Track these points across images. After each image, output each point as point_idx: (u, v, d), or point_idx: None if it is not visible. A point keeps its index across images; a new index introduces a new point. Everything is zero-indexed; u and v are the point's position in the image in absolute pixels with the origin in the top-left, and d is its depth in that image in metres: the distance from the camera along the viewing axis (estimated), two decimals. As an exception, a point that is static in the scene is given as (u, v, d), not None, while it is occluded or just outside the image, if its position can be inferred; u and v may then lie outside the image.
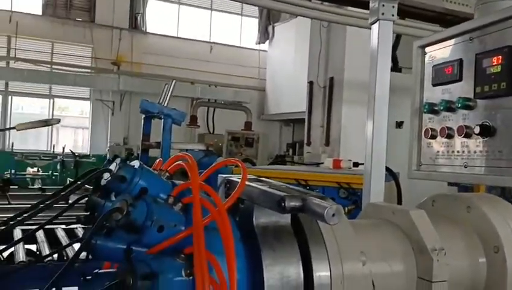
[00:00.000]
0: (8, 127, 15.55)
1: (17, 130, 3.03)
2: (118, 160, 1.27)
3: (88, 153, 15.83)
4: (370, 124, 2.22)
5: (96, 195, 1.45)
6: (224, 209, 1.16)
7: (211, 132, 15.86)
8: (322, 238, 1.38)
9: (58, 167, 12.99)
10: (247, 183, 1.31)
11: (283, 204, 1.19)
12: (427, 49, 1.98)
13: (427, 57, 1.97)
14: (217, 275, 1.09)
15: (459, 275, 1.57)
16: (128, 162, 1.28)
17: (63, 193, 1.52)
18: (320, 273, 1.33)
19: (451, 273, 1.51)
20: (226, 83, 17.71)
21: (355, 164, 4.87)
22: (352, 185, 3.96)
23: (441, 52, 1.92)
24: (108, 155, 11.15)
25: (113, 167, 1.27)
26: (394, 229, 1.61)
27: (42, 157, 13.85)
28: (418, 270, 1.53)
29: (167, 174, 1.34)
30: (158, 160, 1.50)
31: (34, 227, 3.14)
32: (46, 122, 3.21)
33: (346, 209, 3.64)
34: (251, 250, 1.29)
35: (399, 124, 6.63)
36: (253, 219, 1.34)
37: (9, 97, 16.27)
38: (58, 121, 3.27)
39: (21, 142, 15.61)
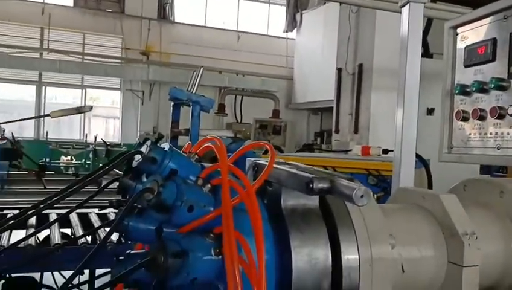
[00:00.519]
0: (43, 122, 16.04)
1: (52, 117, 3.13)
2: (148, 142, 1.29)
3: (119, 142, 16.15)
4: (400, 111, 2.19)
5: (127, 178, 1.49)
6: (252, 191, 1.17)
7: (239, 121, 15.91)
8: (351, 221, 1.38)
9: (91, 155, 13.31)
10: (275, 165, 1.32)
11: (311, 185, 1.19)
12: (459, 30, 1.93)
13: (459, 38, 1.92)
14: (245, 255, 1.11)
15: (491, 260, 1.54)
16: (158, 144, 1.31)
17: (94, 175, 1.56)
18: (349, 256, 1.33)
19: (482, 258, 1.48)
20: (254, 72, 17.68)
21: (385, 151, 4.81)
22: (382, 172, 3.91)
23: (473, 32, 1.86)
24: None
25: (144, 149, 1.29)
26: (424, 213, 1.59)
27: (75, 146, 14.21)
28: (449, 254, 1.51)
29: (196, 156, 1.36)
30: (187, 143, 1.53)
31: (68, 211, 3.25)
32: (78, 110, 3.30)
33: (375, 196, 3.61)
34: (279, 232, 1.30)
35: (430, 111, 6.50)
36: (281, 201, 1.35)
37: (43, 87, 16.73)
38: (90, 108, 3.35)
39: (55, 131, 16.07)
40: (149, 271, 1.09)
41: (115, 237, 2.69)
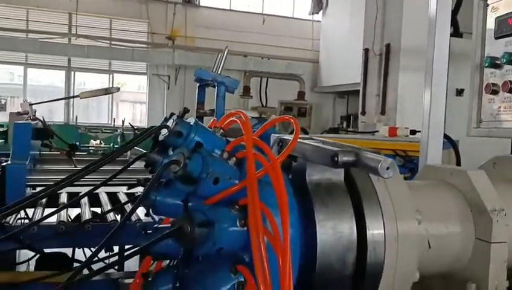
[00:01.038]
0: (72, 101, 16.37)
1: (81, 98, 3.20)
2: (174, 116, 1.31)
3: (146, 127, 16.36)
4: (428, 91, 2.14)
5: (154, 153, 1.52)
6: (277, 163, 1.18)
7: (264, 104, 15.87)
8: (376, 196, 1.37)
9: (119, 139, 13.54)
10: (299, 140, 1.32)
11: (336, 159, 1.19)
12: (489, 1, 1.87)
13: (489, 9, 1.86)
14: (270, 226, 1.12)
15: (520, 237, 1.51)
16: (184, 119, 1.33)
17: (122, 149, 1.59)
18: (374, 231, 1.33)
19: (511, 235, 1.46)
20: (279, 56, 17.56)
21: (413, 132, 4.73)
22: (409, 153, 3.86)
23: (504, 3, 1.80)
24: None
25: (170, 123, 1.31)
26: (452, 189, 1.57)
27: (103, 130, 14.46)
28: (477, 231, 1.49)
29: (221, 130, 1.38)
30: (213, 119, 1.54)
31: (97, 191, 3.33)
32: (106, 90, 3.36)
33: (403, 176, 3.56)
34: (303, 206, 1.30)
35: (459, 92, 6.33)
36: (306, 175, 1.35)
37: (72, 73, 17.05)
38: (118, 89, 3.41)
39: (84, 116, 16.40)
40: (176, 240, 1.11)
41: (143, 214, 2.74)
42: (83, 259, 2.99)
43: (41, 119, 2.76)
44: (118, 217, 2.95)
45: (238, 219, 1.16)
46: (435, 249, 1.47)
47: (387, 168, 1.11)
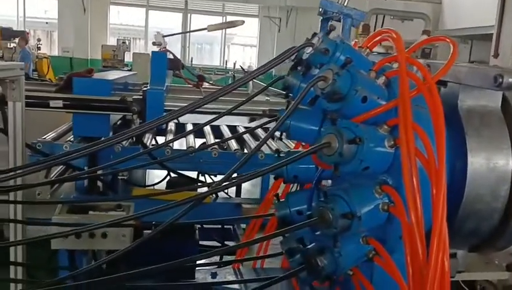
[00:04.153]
0: (187, 43, 17.05)
1: (208, 31, 3.29)
2: (320, 34, 1.28)
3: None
4: None
5: (292, 75, 1.51)
6: (433, 83, 1.10)
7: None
8: (539, 126, 1.24)
9: (230, 81, 13.94)
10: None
11: (500, 80, 1.08)
12: None
13: None
14: (424, 148, 1.06)
15: None
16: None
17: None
18: (533, 164, 1.21)
19: None
20: (396, -5, 16.39)
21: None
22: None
23: None
24: (273, 72, 11.52)
25: (315, 41, 1.28)
26: None
27: (216, 72, 14.95)
28: None
29: (367, 50, 1.32)
30: (353, 41, 1.48)
31: (218, 123, 3.46)
32: (232, 23, 3.40)
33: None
34: (454, 133, 1.22)
35: None
36: (458, 101, 1.26)
37: (189, 15, 17.63)
38: (243, 22, 3.44)
39: (197, 58, 17.05)
40: (322, 155, 1.10)
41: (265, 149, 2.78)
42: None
43: (171, 51, 2.91)
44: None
45: (386, 140, 1.12)
46: None
47: None
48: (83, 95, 2.38)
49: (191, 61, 15.97)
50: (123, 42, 12.79)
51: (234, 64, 14.88)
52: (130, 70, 7.13)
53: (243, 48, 19.25)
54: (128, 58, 12.10)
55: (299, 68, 1.41)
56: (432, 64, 1.33)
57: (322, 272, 1.16)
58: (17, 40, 11.52)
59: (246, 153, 2.75)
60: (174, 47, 16.69)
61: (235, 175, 1.38)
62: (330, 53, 1.23)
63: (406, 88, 1.09)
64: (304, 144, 1.78)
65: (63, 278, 1.14)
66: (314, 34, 1.34)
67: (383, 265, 1.16)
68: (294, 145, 2.81)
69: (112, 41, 15.70)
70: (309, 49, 1.28)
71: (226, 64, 16.62)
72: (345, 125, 1.09)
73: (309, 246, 1.21)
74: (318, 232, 1.22)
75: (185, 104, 1.92)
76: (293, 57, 1.40)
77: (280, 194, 1.70)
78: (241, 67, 14.46)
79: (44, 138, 2.51)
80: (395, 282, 1.15)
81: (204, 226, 3.42)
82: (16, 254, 1.77)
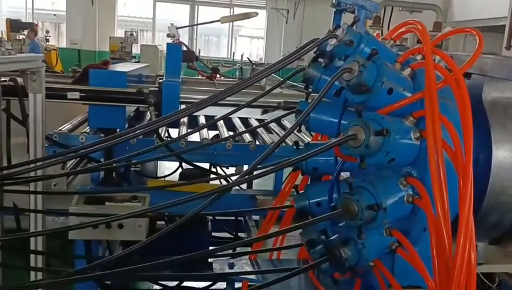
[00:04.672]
0: (195, 35, 17.02)
1: (222, 22, 3.28)
2: (344, 26, 1.27)
3: (263, 62, 16.53)
4: None
5: (312, 67, 1.51)
6: (460, 74, 1.09)
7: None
8: None
9: (237, 73, 13.91)
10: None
11: (528, 72, 1.08)
12: None
13: None
14: (451, 139, 1.06)
15: None
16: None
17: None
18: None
19: None
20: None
21: None
22: None
23: None
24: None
25: (339, 32, 1.28)
26: None
27: (223, 64, 14.92)
28: None
29: (391, 42, 1.31)
30: (376, 33, 1.47)
31: (230, 116, 3.45)
32: (246, 15, 3.39)
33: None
34: (478, 125, 1.22)
35: None
36: (483, 92, 1.26)
37: (196, 7, 17.59)
38: (256, 14, 3.42)
39: (205, 50, 17.03)
40: (348, 147, 1.10)
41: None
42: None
43: (185, 43, 2.91)
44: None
45: (412, 131, 1.12)
46: None
47: None
48: (100, 87, 2.39)
49: (199, 53, 15.94)
50: (131, 34, 12.77)
51: (242, 56, 14.84)
52: (137, 62, 7.13)
53: (250, 39, 19.20)
54: (135, 50, 12.09)
55: (320, 60, 1.41)
56: (454, 56, 1.32)
57: (345, 263, 1.16)
58: (26, 32, 11.55)
59: (259, 145, 2.76)
60: (182, 39, 16.68)
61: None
62: (355, 45, 1.23)
63: (433, 79, 1.09)
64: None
65: (83, 268, 1.15)
66: (338, 27, 1.34)
67: (406, 257, 1.16)
68: (299, 135, 2.82)
69: (119, 33, 15.71)
70: (333, 41, 1.28)
71: (233, 56, 16.58)
72: (371, 117, 1.09)
73: (332, 238, 1.21)
74: (341, 224, 1.22)
75: (201, 97, 1.93)
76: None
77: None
78: (249, 59, 14.46)
79: (60, 130, 2.53)
80: (417, 273, 1.16)
81: (217, 218, 3.45)
82: (36, 243, 1.79)
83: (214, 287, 2.78)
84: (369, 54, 1.13)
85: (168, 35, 2.74)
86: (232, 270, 1.76)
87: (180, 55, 2.63)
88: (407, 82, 1.17)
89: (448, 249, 1.02)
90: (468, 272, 1.01)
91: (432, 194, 1.04)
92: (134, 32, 13.43)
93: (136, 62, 7.17)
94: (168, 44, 2.62)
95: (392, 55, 1.25)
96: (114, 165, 2.08)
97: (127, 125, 2.66)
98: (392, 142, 1.07)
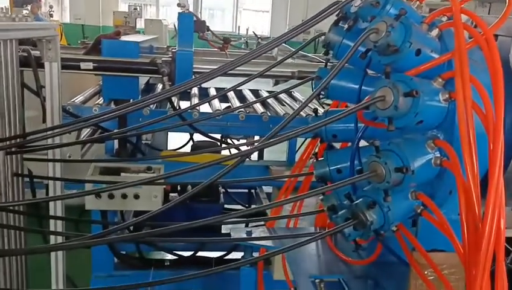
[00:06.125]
0: (199, 9, 16.81)
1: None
2: (369, -14, 1.24)
3: (268, 36, 16.33)
4: None
5: (333, 31, 1.48)
6: (491, 34, 1.07)
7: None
8: None
9: (243, 47, 13.77)
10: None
11: (562, 31, 1.05)
12: None
13: None
14: (482, 100, 1.04)
15: None
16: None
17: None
18: None
19: None
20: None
21: None
22: None
23: None
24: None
25: (364, -6, 1.25)
26: None
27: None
28: None
29: (417, 2, 1.28)
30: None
31: (240, 87, 3.42)
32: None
33: None
34: (504, 87, 1.19)
35: None
36: (510, 54, 1.23)
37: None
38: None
39: (209, 25, 16.81)
40: (373, 111, 1.09)
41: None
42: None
43: (195, 14, 2.87)
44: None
45: (441, 93, 1.10)
46: None
47: None
48: (113, 58, 2.37)
49: (204, 27, 15.76)
50: (134, 9, 12.64)
51: (247, 30, 14.67)
52: (143, 36, 7.06)
53: (255, 13, 18.96)
54: (140, 25, 11.97)
55: (341, 24, 1.38)
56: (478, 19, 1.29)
57: (370, 226, 1.16)
58: (29, 7, 11.43)
59: (271, 116, 2.73)
60: (186, 13, 16.50)
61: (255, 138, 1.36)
62: (380, 6, 1.20)
63: (462, 39, 1.06)
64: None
65: (99, 233, 1.15)
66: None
67: (433, 221, 1.16)
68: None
69: (122, 7, 15.53)
70: (357, 2, 1.25)
71: (238, 30, 16.40)
72: (399, 78, 1.07)
73: (356, 201, 1.20)
74: (366, 188, 1.22)
75: (214, 67, 1.90)
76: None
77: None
78: (254, 33, 14.27)
79: (73, 101, 2.52)
80: (440, 237, 1.15)
81: (229, 190, 3.46)
82: (56, 209, 1.81)
83: (228, 257, 2.80)
84: (397, 14, 1.10)
85: (179, 5, 2.70)
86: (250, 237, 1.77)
87: (192, 25, 2.59)
88: (434, 43, 1.15)
89: (478, 212, 1.01)
90: (497, 236, 1.01)
91: (462, 157, 1.03)
92: (138, 7, 13.28)
93: (142, 36, 7.08)
94: (179, 13, 2.58)
95: (418, 16, 1.23)
96: (128, 133, 2.07)
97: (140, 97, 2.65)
98: (421, 103, 1.05)
